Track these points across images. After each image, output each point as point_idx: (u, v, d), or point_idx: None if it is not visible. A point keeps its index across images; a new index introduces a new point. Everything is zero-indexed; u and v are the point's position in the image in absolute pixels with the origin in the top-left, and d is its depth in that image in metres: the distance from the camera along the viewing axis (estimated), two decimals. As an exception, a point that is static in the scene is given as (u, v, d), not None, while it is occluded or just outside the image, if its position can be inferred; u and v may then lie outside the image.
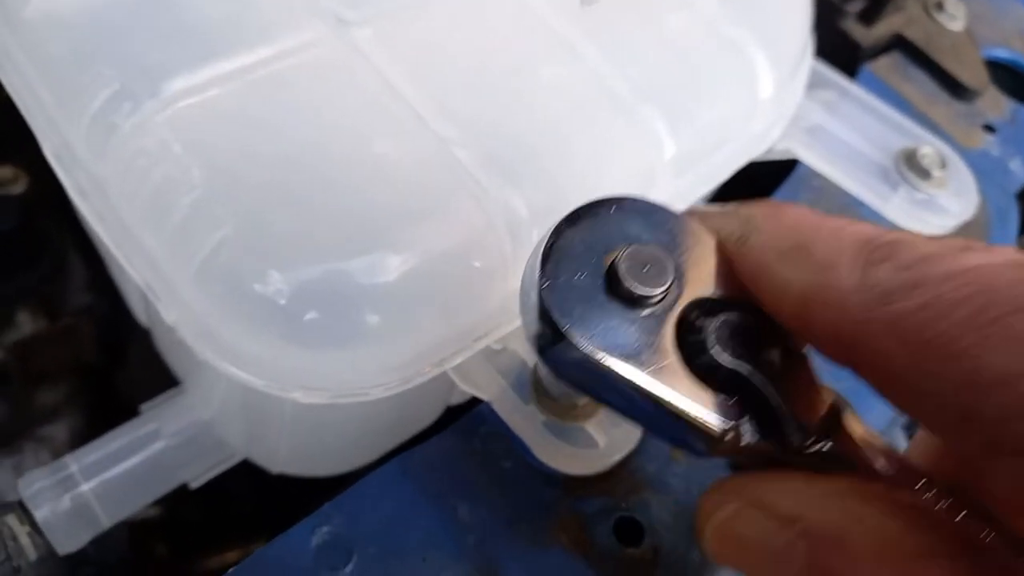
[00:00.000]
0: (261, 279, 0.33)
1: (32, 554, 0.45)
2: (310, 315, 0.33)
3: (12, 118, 0.68)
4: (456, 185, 0.37)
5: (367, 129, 0.37)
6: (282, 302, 0.33)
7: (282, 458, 0.45)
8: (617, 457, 0.38)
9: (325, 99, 0.37)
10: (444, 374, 0.37)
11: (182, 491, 0.46)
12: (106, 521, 0.43)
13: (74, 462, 0.43)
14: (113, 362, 0.84)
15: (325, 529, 0.33)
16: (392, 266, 0.34)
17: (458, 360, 0.37)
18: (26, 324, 0.76)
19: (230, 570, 0.31)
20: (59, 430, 0.83)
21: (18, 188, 0.70)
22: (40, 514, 0.41)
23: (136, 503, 0.44)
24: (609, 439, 0.38)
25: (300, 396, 0.34)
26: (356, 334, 0.34)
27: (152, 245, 0.35)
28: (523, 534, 0.35)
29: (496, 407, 0.38)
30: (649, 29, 0.44)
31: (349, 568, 0.32)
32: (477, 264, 0.37)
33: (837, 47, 0.63)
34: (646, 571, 0.36)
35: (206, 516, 0.63)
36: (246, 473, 0.48)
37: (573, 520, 0.36)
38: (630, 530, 0.37)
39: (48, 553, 0.45)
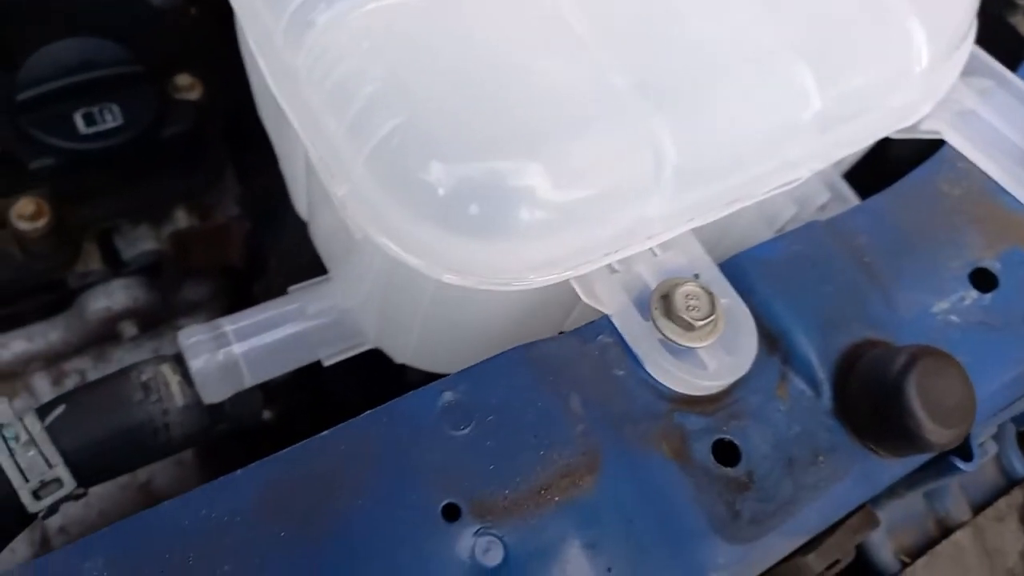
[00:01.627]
0: (425, 168, 0.36)
1: (180, 400, 0.50)
2: (465, 206, 0.37)
3: (196, 31, 0.75)
4: (609, 108, 0.39)
5: (535, 46, 0.40)
6: (441, 192, 0.37)
7: (411, 348, 0.49)
8: (724, 383, 0.40)
9: (499, 14, 0.40)
10: (569, 292, 0.40)
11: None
12: (249, 380, 0.48)
13: (228, 324, 0.49)
14: (253, 269, 0.91)
15: (451, 394, 0.36)
16: (544, 172, 0.37)
17: (591, 268, 0.39)
18: (182, 220, 0.83)
19: (363, 413, 0.35)
20: (197, 323, 0.91)
21: (194, 95, 0.77)
22: (195, 363, 0.47)
23: (277, 369, 0.49)
24: (719, 364, 0.40)
25: (450, 278, 0.37)
26: (505, 229, 0.37)
27: (332, 128, 0.39)
28: (627, 435, 0.38)
29: (616, 321, 0.40)
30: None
31: (467, 430, 0.35)
32: (619, 184, 0.39)
33: (1003, 39, 0.62)
34: (738, 491, 0.38)
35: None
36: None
37: (675, 432, 0.38)
38: (727, 452, 0.39)
39: (193, 402, 0.51)
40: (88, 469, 0.47)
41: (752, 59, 0.42)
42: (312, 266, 0.83)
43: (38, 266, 0.74)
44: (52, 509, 0.46)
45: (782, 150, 0.43)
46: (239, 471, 0.32)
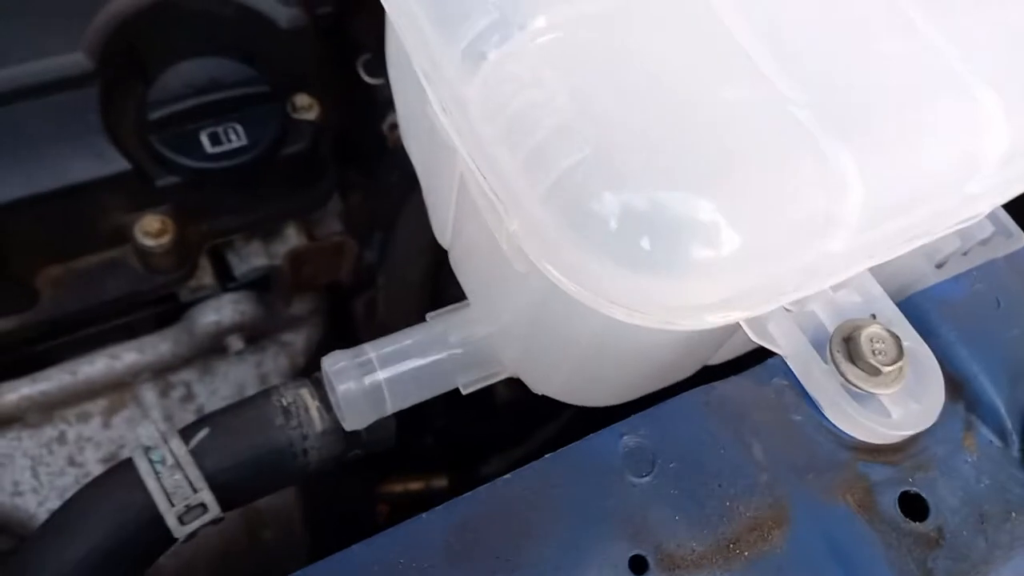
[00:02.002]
0: (605, 203, 0.35)
1: (319, 426, 0.50)
2: (643, 241, 0.35)
3: (314, 52, 0.75)
4: (793, 139, 0.38)
5: (714, 77, 0.38)
6: (619, 226, 0.35)
7: (557, 380, 0.47)
8: (909, 432, 0.38)
9: (677, 42, 0.39)
10: (726, 328, 0.38)
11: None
12: (390, 407, 0.48)
13: (372, 350, 0.48)
14: (357, 287, 0.91)
15: (631, 438, 0.35)
16: (723, 207, 0.36)
17: (769, 308, 0.38)
18: (293, 237, 0.84)
19: (545, 456, 0.34)
20: (299, 338, 0.91)
21: (311, 115, 0.77)
22: (342, 388, 0.46)
23: (417, 397, 0.49)
24: (905, 412, 0.38)
25: (625, 316, 0.36)
26: (682, 266, 0.36)
27: (505, 161, 0.38)
28: (811, 485, 0.36)
29: (792, 363, 0.38)
30: (994, 12, 0.43)
31: (650, 477, 0.34)
32: (803, 221, 0.37)
33: None
34: (928, 548, 0.36)
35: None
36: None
37: (859, 483, 0.36)
38: (915, 505, 0.37)
39: (331, 428, 0.50)
40: (228, 492, 0.47)
41: (940, 87, 0.40)
42: (422, 285, 0.83)
43: (157, 280, 0.75)
44: (191, 535, 0.46)
45: (966, 184, 0.41)
46: (424, 515, 0.31)
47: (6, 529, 0.81)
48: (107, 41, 0.68)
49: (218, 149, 0.71)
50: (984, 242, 0.50)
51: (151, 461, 0.45)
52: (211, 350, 0.84)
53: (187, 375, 0.85)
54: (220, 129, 0.72)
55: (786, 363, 0.38)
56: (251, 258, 0.82)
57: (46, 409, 0.79)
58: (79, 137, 0.67)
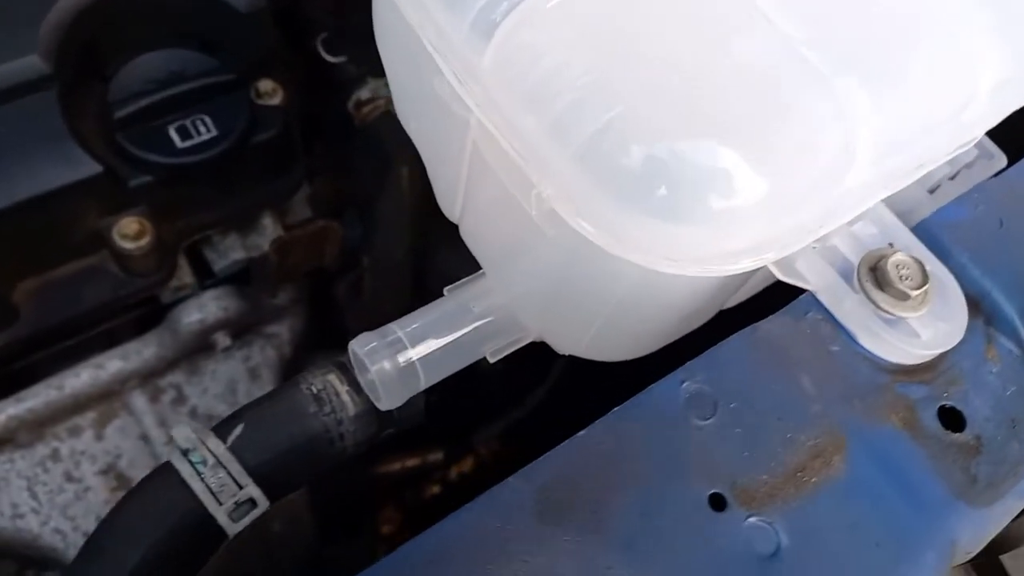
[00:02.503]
0: (640, 159, 0.36)
1: (351, 409, 0.50)
2: (681, 195, 0.36)
3: (272, 35, 0.73)
4: (806, 81, 0.39)
5: (725, 27, 0.39)
6: (656, 182, 0.36)
7: (585, 340, 0.48)
8: (940, 350, 0.40)
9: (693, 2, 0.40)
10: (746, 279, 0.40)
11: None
12: (424, 383, 0.48)
13: (399, 329, 0.48)
14: (338, 273, 0.90)
15: (690, 384, 0.36)
16: (750, 154, 0.37)
17: (799, 247, 0.39)
18: (269, 227, 0.82)
19: (612, 411, 0.35)
20: (283, 329, 0.90)
21: (276, 100, 0.75)
22: (376, 369, 0.46)
23: (448, 370, 0.49)
24: (933, 332, 0.40)
25: (668, 267, 0.37)
26: (720, 215, 0.37)
27: (530, 128, 0.38)
28: (858, 410, 0.38)
29: (822, 297, 0.40)
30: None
31: (713, 419, 0.35)
32: (821, 158, 0.39)
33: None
34: (970, 456, 0.38)
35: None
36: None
37: (901, 403, 0.38)
38: (953, 418, 0.39)
39: (363, 410, 0.50)
40: (271, 485, 0.47)
41: (938, 19, 0.41)
42: (407, 262, 0.83)
43: (138, 284, 0.73)
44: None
45: (963, 112, 0.43)
46: (509, 480, 0.32)
47: (9, 553, 0.79)
48: (61, 41, 0.65)
49: (188, 143, 0.69)
50: (969, 165, 0.52)
51: (191, 463, 0.45)
52: (197, 349, 0.83)
53: (175, 377, 0.83)
54: (188, 122, 0.70)
55: (815, 298, 0.40)
56: (229, 252, 0.81)
57: (35, 427, 0.77)
58: (45, 143, 0.64)
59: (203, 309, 0.80)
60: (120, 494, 0.81)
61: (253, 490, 0.45)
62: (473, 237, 0.52)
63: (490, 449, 1.11)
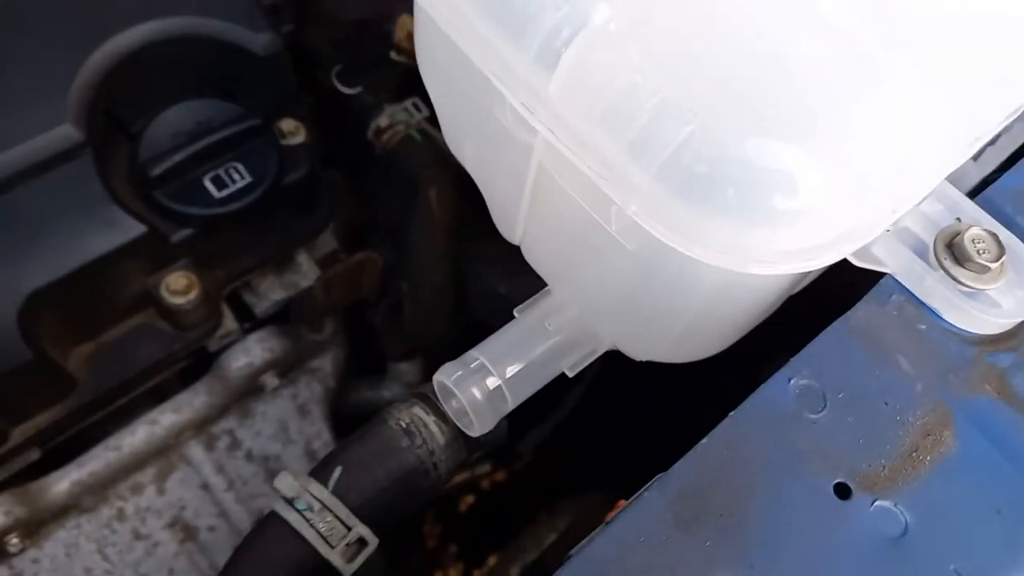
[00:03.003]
0: (719, 168, 0.37)
1: (441, 438, 0.51)
2: (762, 198, 0.37)
3: (290, 75, 0.74)
4: (863, 78, 0.40)
5: (782, 34, 0.40)
6: (734, 189, 0.37)
7: (663, 344, 0.49)
8: (1021, 318, 0.41)
9: (734, 4, 0.41)
10: None
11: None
12: (511, 405, 0.49)
13: (480, 355, 0.49)
14: (374, 304, 0.91)
15: (799, 380, 0.37)
16: (806, 154, 0.38)
17: (873, 237, 0.40)
18: (304, 265, 0.83)
19: (728, 416, 0.36)
20: (326, 362, 0.91)
21: (299, 138, 0.76)
22: (467, 397, 0.47)
23: (531, 389, 0.50)
24: (1014, 301, 0.41)
25: (758, 268, 0.38)
26: (799, 214, 0.38)
27: (607, 148, 0.39)
28: (954, 384, 0.39)
29: (903, 279, 0.41)
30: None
31: (825, 412, 0.36)
32: (883, 151, 0.40)
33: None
34: (1065, 418, 0.39)
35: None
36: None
37: (993, 372, 0.40)
38: (1043, 382, 0.40)
39: (452, 438, 0.51)
40: (376, 522, 0.47)
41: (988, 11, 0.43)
42: (447, 286, 0.83)
43: (189, 337, 0.74)
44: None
45: (1013, 82, 0.44)
46: (643, 494, 0.33)
47: (86, 617, 0.79)
48: (89, 107, 0.65)
49: (225, 192, 0.70)
50: (1007, 130, 0.53)
51: (298, 510, 0.45)
52: (246, 393, 0.83)
53: (228, 423, 0.84)
54: (222, 171, 0.71)
55: (895, 280, 0.41)
56: (269, 293, 0.82)
57: (98, 490, 0.78)
58: (86, 209, 0.65)
59: (249, 353, 0.80)
60: (189, 545, 0.82)
61: (362, 529, 0.46)
62: (537, 255, 0.53)
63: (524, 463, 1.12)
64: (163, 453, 0.81)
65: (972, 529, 0.35)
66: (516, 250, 0.55)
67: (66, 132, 0.64)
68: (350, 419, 0.88)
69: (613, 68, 0.39)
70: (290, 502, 0.46)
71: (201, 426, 0.82)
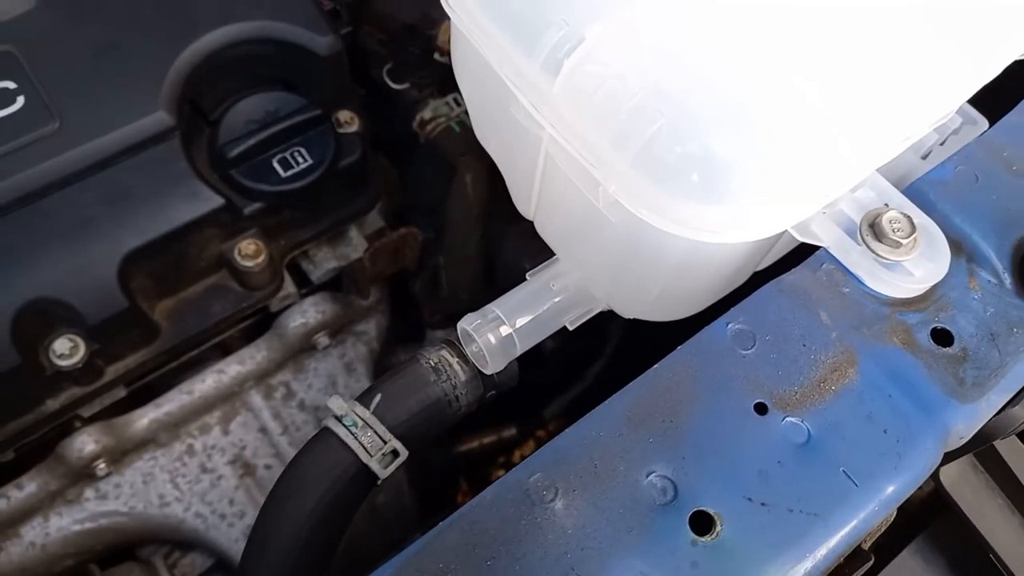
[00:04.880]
0: (686, 159, 0.47)
1: (462, 375, 0.62)
2: (719, 181, 0.47)
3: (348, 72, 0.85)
4: (804, 90, 0.50)
5: (739, 54, 0.50)
6: (697, 175, 0.47)
7: (647, 304, 0.60)
8: (929, 284, 0.50)
9: (703, 29, 0.51)
10: (768, 240, 0.50)
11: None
12: (520, 350, 0.60)
13: (496, 308, 0.60)
14: (414, 274, 1.02)
15: (734, 324, 0.47)
16: (755, 147, 0.48)
17: (809, 214, 0.50)
18: (355, 239, 0.95)
19: (677, 348, 0.46)
20: (371, 326, 1.03)
21: (354, 127, 0.88)
22: (483, 340, 0.58)
23: (538, 338, 0.61)
24: (924, 271, 0.50)
25: (709, 238, 0.48)
26: (750, 193, 0.48)
27: (595, 140, 0.49)
28: (867, 335, 0.48)
29: (833, 251, 0.51)
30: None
31: (754, 349, 0.46)
32: (818, 145, 0.49)
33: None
34: (958, 364, 0.49)
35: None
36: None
37: (900, 327, 0.49)
38: (943, 336, 0.49)
39: (471, 376, 0.62)
40: (407, 439, 0.59)
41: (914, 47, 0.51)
42: (477, 257, 0.95)
43: (256, 296, 0.86)
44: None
45: (942, 92, 0.53)
46: (606, 401, 0.44)
47: (159, 536, 0.92)
48: (179, 97, 0.78)
49: (290, 172, 0.82)
50: (956, 131, 0.62)
51: (346, 426, 0.57)
52: (301, 350, 0.96)
53: (284, 376, 0.96)
54: (288, 154, 0.82)
55: (828, 252, 0.51)
56: (324, 263, 0.93)
57: (172, 428, 0.90)
58: (174, 183, 0.77)
59: (305, 314, 0.92)
60: (247, 480, 0.94)
61: (395, 444, 0.57)
62: (547, 229, 0.63)
63: (548, 431, 1.23)
64: (228, 399, 0.93)
65: (861, 442, 0.44)
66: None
67: (160, 118, 0.76)
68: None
69: (601, 76, 0.49)
70: (339, 419, 0.57)
71: (261, 377, 0.94)
